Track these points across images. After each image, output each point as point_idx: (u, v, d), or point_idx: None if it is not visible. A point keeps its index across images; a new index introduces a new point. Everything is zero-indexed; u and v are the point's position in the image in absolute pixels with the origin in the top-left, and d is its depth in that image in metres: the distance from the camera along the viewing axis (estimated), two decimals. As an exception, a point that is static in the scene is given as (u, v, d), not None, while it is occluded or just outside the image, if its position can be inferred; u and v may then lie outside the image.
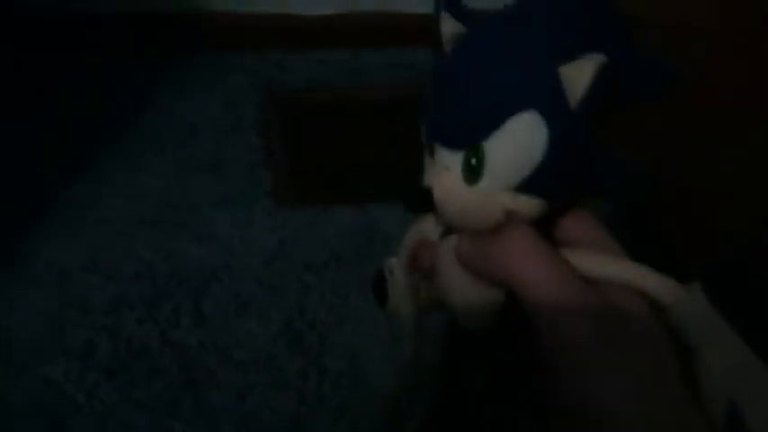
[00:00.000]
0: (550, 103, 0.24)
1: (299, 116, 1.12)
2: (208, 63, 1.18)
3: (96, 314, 0.80)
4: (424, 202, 0.27)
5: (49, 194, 0.92)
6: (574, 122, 0.24)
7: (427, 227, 0.32)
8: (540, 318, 0.24)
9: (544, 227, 0.27)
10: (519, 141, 0.24)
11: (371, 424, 0.74)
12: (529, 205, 0.26)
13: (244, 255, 0.89)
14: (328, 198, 0.98)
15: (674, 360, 0.24)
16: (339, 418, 0.75)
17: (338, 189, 1.00)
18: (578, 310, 0.24)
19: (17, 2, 1.11)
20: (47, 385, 0.73)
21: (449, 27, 0.27)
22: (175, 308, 0.81)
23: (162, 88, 1.12)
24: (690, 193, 0.80)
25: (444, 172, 0.26)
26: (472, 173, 0.25)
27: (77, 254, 0.86)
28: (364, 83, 1.21)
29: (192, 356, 0.77)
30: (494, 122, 0.24)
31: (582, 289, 0.25)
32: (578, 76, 0.23)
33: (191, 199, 0.95)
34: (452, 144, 0.26)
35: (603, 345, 0.23)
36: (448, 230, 0.30)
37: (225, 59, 1.19)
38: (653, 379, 0.23)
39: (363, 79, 1.21)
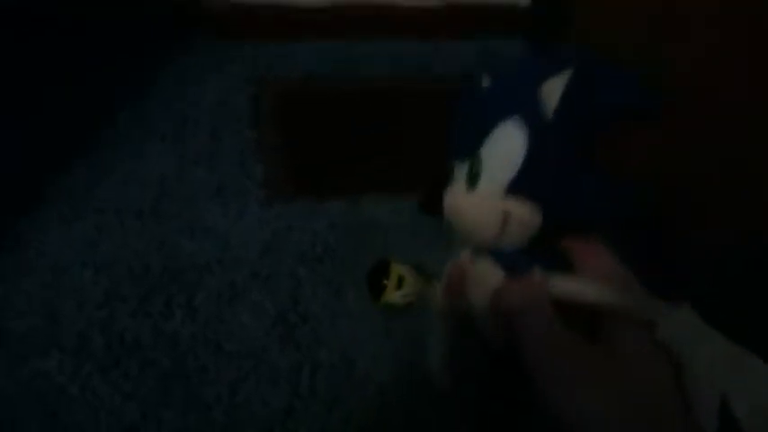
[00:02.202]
0: (528, 110, 0.30)
1: (293, 108, 1.12)
2: (204, 53, 1.18)
3: (90, 307, 0.80)
4: (431, 204, 0.34)
5: (43, 187, 0.92)
6: (550, 128, 0.29)
7: (464, 255, 0.36)
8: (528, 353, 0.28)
9: (560, 256, 0.31)
10: (503, 144, 0.30)
11: (364, 416, 0.75)
12: (520, 208, 0.30)
13: (237, 247, 0.89)
14: (322, 191, 0.97)
15: (673, 399, 0.26)
16: (331, 410, 0.75)
17: (333, 182, 1.00)
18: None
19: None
20: (41, 377, 0.74)
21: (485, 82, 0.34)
22: (168, 300, 0.82)
23: (158, 79, 1.11)
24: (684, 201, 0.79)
25: (455, 185, 0.33)
26: (472, 178, 0.31)
27: (71, 246, 0.86)
28: (361, 75, 1.20)
29: (185, 349, 0.78)
30: (485, 131, 0.31)
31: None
32: (554, 89, 0.29)
33: (184, 191, 0.95)
34: (460, 156, 0.33)
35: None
36: (476, 252, 0.34)
37: (221, 50, 1.19)
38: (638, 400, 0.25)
39: (360, 71, 1.20)
